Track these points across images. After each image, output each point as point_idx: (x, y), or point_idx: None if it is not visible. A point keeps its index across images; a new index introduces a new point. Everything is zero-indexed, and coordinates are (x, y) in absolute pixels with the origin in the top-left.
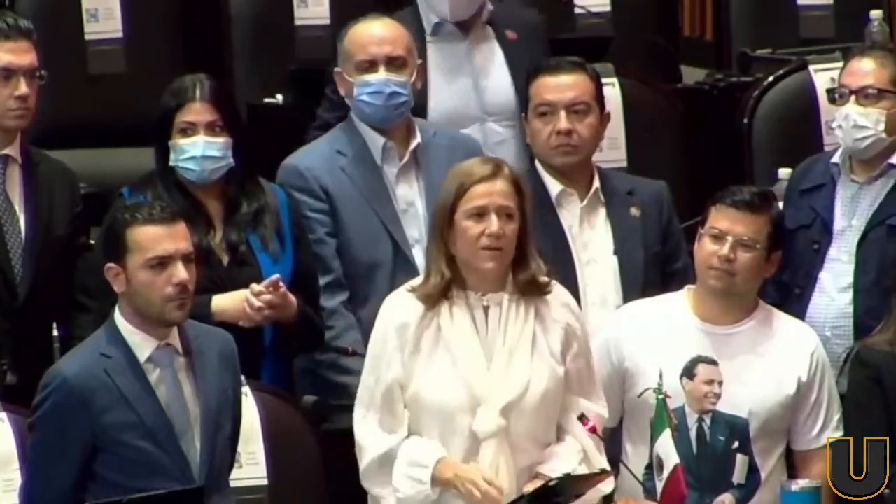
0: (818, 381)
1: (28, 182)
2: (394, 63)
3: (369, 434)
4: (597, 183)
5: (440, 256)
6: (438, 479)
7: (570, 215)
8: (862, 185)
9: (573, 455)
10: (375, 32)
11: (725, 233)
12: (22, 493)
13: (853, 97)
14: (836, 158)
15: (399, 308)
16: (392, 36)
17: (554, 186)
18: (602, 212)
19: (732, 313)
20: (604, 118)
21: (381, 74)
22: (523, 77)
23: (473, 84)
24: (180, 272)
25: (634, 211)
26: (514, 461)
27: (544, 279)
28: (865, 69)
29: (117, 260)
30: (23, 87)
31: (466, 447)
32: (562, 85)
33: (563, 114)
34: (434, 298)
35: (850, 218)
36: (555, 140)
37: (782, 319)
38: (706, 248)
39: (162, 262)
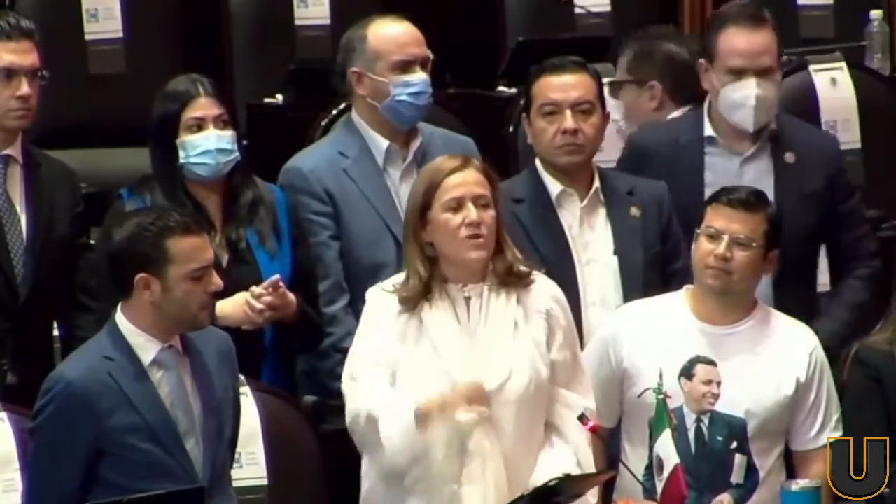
0: (817, 382)
1: (29, 182)
2: (425, 65)
3: (359, 391)
4: (597, 183)
5: (415, 257)
6: (420, 416)
7: (570, 215)
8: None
9: (565, 459)
10: (409, 31)
11: (721, 232)
12: (25, 498)
13: None
14: None
15: (383, 300)
16: (420, 37)
17: (554, 186)
18: (602, 212)
19: (731, 313)
20: (605, 118)
21: (421, 75)
22: (793, 203)
23: None
24: (217, 280)
25: (634, 211)
26: (500, 450)
27: (524, 269)
28: None
29: (153, 270)
30: (24, 88)
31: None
32: (566, 84)
33: (568, 113)
34: (414, 301)
35: None
36: (560, 139)
37: (781, 320)
38: (703, 248)
39: (203, 273)
